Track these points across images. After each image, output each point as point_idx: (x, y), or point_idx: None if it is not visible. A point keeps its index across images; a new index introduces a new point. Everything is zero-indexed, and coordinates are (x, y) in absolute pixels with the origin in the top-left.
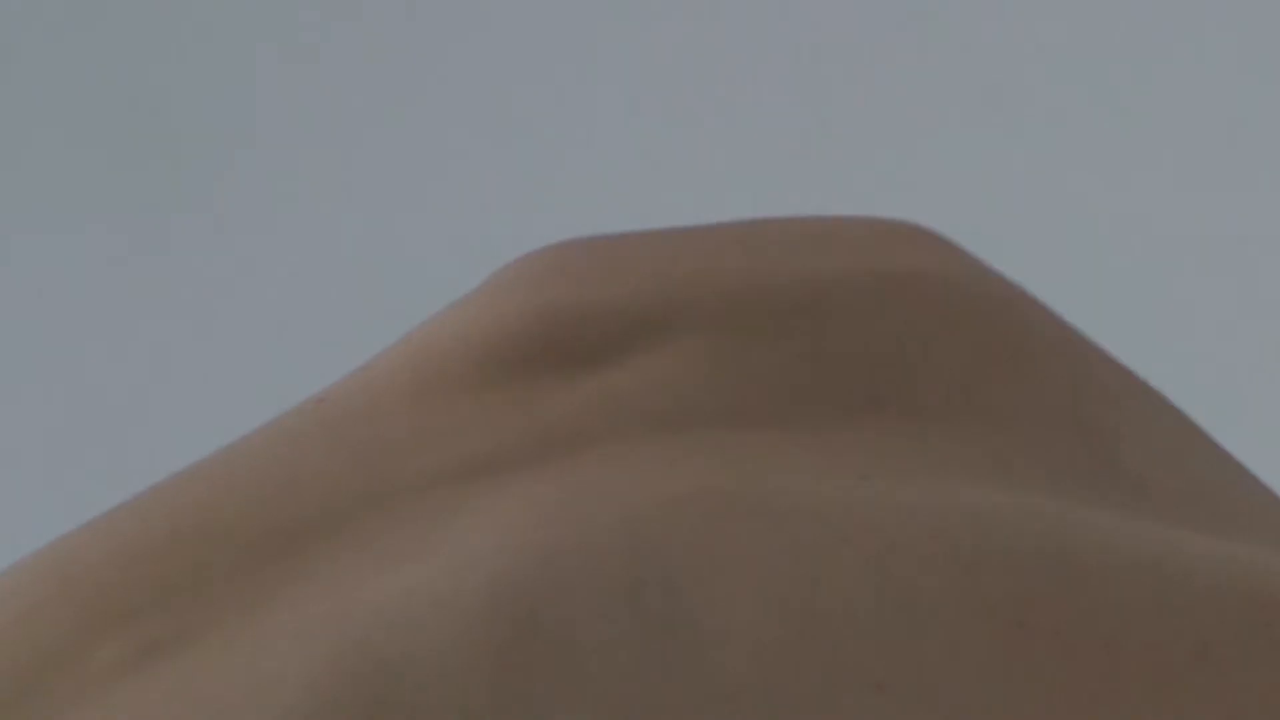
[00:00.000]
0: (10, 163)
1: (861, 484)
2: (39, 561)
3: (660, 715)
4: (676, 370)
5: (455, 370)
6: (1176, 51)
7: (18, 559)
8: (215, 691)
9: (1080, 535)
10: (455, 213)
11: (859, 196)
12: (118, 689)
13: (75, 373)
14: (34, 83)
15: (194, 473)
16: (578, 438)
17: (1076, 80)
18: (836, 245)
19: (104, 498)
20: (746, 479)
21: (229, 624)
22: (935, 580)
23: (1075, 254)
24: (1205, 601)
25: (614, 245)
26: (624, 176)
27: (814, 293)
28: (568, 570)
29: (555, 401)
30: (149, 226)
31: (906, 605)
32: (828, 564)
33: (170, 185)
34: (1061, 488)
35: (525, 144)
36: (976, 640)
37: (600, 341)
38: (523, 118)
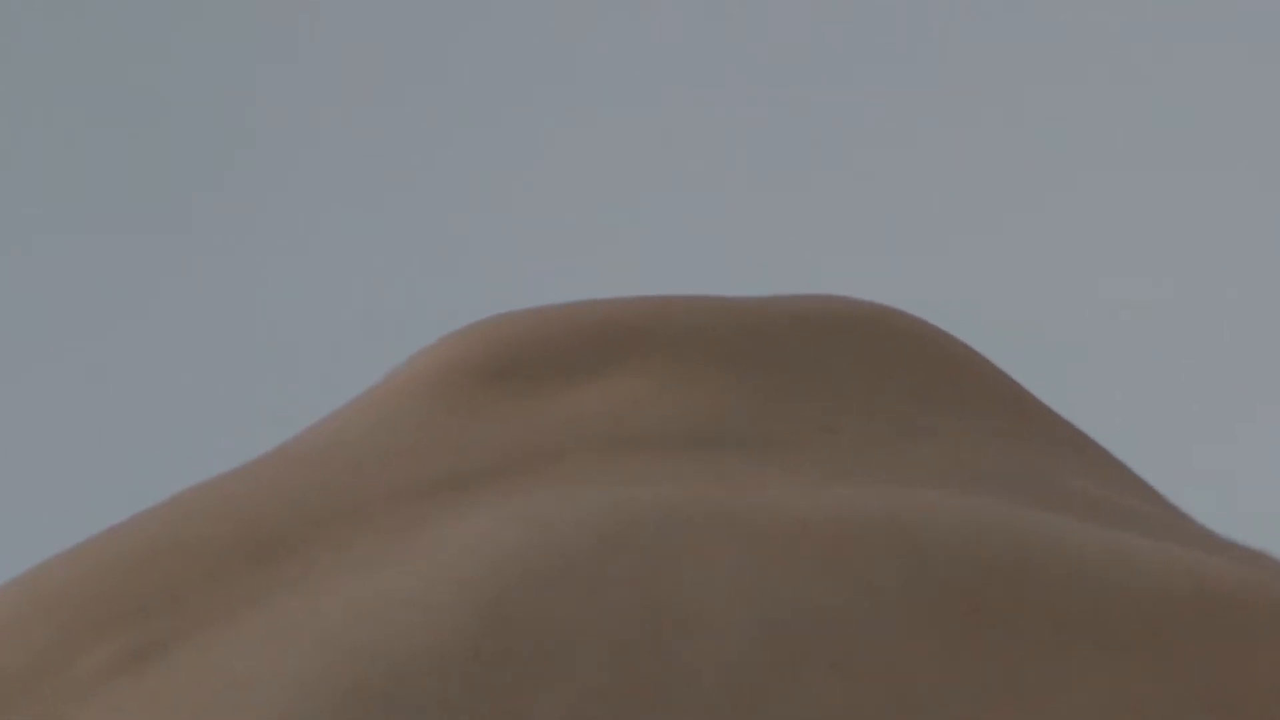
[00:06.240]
0: (7, 163)
1: (818, 489)
2: (17, 582)
3: (634, 705)
4: (638, 393)
5: (421, 397)
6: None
7: None
8: (198, 693)
9: (1033, 529)
10: (452, 211)
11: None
12: (102, 696)
13: (73, 373)
14: (31, 84)
15: (169, 499)
16: (541, 454)
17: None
18: (785, 301)
19: (97, 506)
20: (707, 487)
21: (208, 630)
22: (891, 570)
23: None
24: (1155, 588)
25: (570, 304)
26: (616, 179)
27: (767, 327)
28: (536, 568)
29: (518, 421)
30: (145, 226)
31: (863, 593)
32: (786, 558)
33: (167, 186)
34: (1010, 495)
35: (523, 149)
36: (932, 623)
37: (561, 364)
38: (522, 123)
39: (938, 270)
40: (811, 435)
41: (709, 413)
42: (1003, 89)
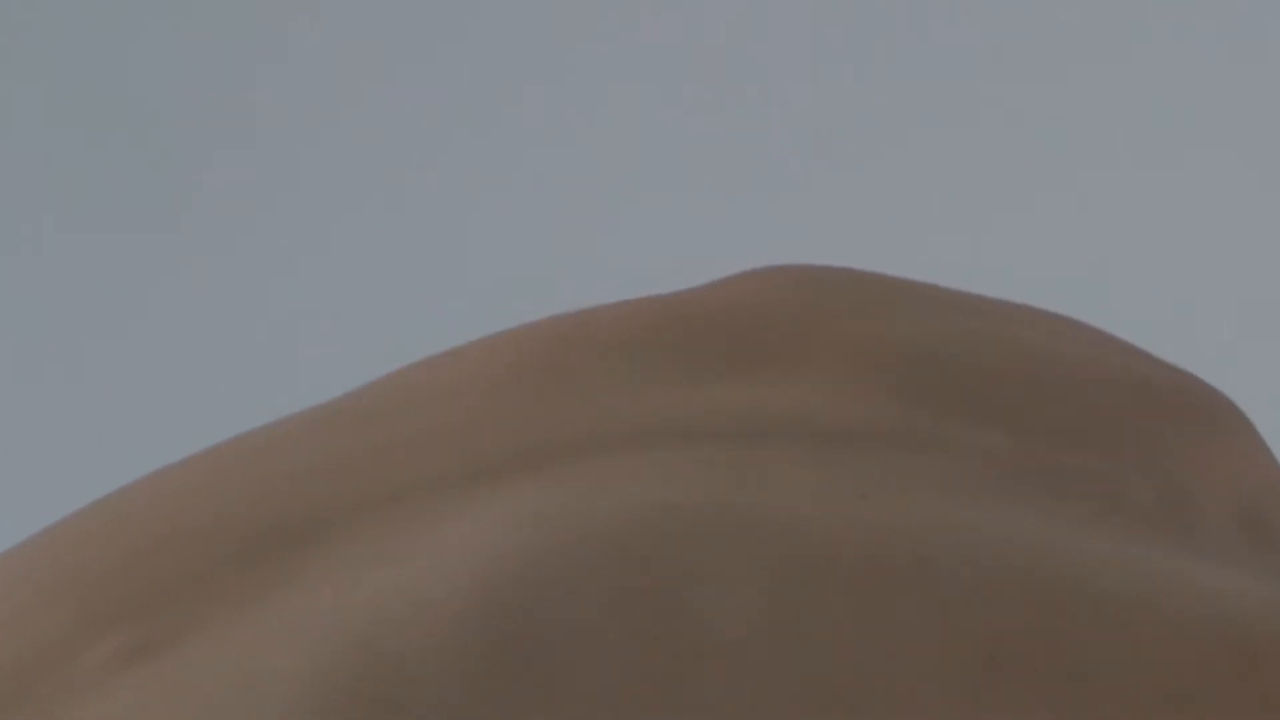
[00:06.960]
0: (3, 162)
1: (859, 503)
2: (22, 560)
3: (636, 710)
4: (692, 387)
5: (466, 377)
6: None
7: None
8: (208, 689)
9: (1065, 564)
10: (452, 210)
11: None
12: (110, 689)
13: (70, 373)
14: (27, 83)
15: (184, 470)
16: (581, 446)
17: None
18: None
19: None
20: (741, 493)
21: (220, 624)
22: (914, 607)
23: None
24: (1183, 641)
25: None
26: (631, 172)
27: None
28: (551, 573)
29: (565, 412)
30: (143, 226)
31: (885, 630)
32: (813, 582)
33: (165, 185)
34: (1052, 506)
35: (522, 141)
36: (948, 672)
37: (654, 357)
38: (519, 112)
39: (938, 268)
40: (875, 438)
41: (774, 412)
42: (998, 88)
